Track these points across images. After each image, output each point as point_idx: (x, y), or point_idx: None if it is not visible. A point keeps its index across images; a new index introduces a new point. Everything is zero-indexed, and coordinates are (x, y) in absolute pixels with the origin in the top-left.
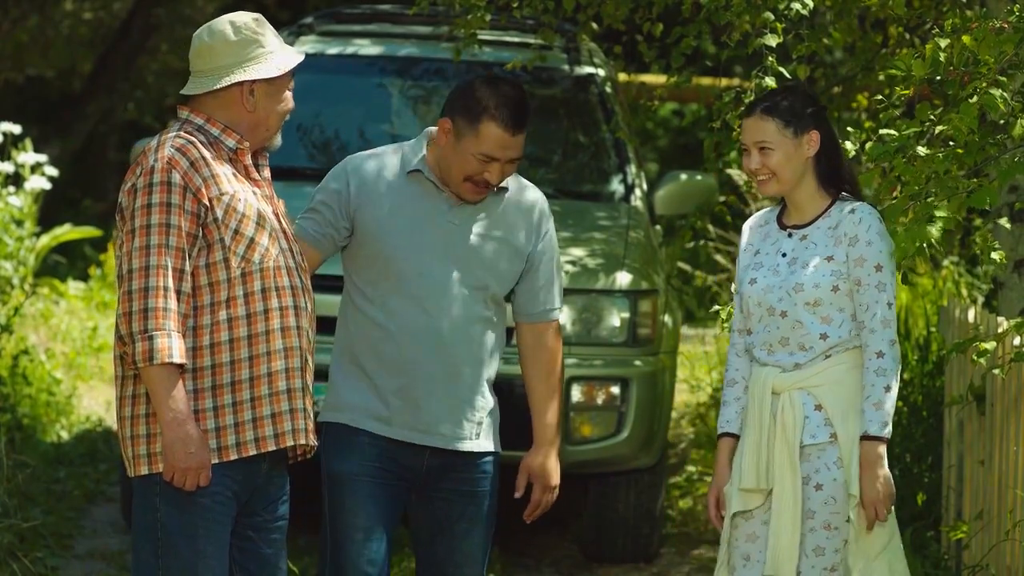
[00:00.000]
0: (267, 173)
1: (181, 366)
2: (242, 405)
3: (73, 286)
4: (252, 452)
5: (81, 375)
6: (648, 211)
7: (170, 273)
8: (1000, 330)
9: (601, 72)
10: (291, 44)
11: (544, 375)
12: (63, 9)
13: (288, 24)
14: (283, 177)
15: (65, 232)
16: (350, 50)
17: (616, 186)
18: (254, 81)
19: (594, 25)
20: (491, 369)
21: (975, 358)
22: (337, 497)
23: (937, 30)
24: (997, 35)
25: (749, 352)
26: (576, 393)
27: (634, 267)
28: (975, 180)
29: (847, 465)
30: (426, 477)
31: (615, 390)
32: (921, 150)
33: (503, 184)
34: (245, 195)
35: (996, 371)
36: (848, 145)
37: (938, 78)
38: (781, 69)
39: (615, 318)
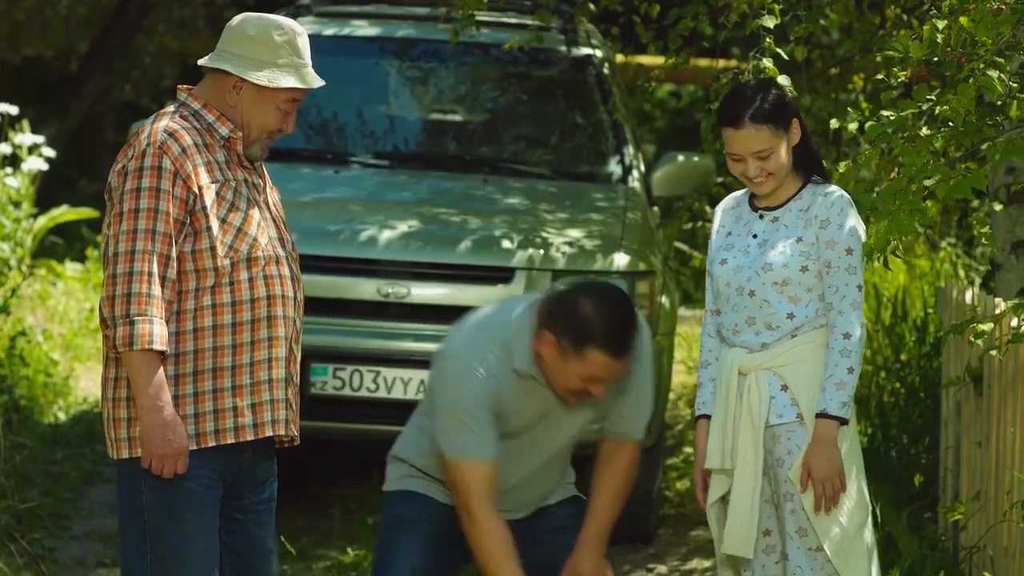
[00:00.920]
0: (261, 163)
1: (162, 353)
2: (223, 392)
3: (70, 267)
4: (230, 440)
5: (78, 356)
6: (645, 192)
7: (155, 259)
8: (997, 311)
9: (598, 53)
10: None
11: (610, 485)
12: None
13: (286, 5)
14: (280, 159)
15: (62, 213)
16: (347, 31)
17: (613, 167)
18: (242, 80)
19: (591, 6)
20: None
21: (972, 339)
22: (388, 536)
23: (934, 11)
24: (994, 16)
25: (720, 333)
26: None
27: (631, 248)
28: (971, 163)
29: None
30: (517, 531)
31: None
32: (924, 131)
33: None
34: (236, 184)
35: (993, 352)
36: (851, 127)
37: (935, 59)
38: (778, 50)
39: None
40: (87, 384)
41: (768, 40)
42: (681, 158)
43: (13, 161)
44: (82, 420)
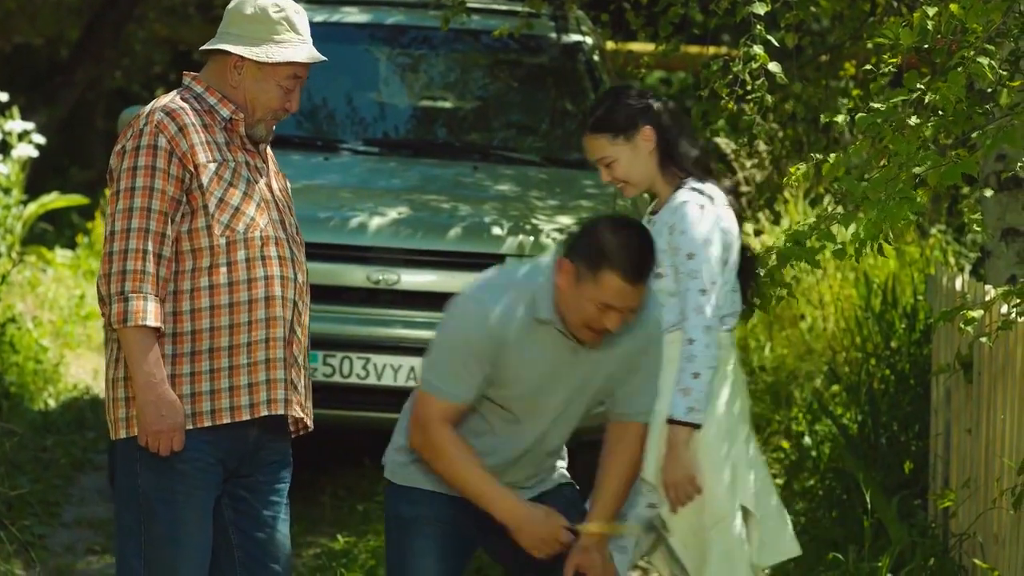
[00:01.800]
0: (266, 147)
1: (157, 330)
2: (219, 372)
3: (60, 254)
4: (226, 420)
5: (68, 343)
6: None
7: (151, 236)
8: (987, 299)
9: (588, 40)
10: None
11: (617, 471)
12: None
13: None
14: (272, 145)
15: (52, 200)
16: (337, 17)
17: None
18: (243, 58)
19: None
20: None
21: (962, 327)
22: (402, 540)
23: None
24: (985, 3)
25: None
26: None
27: None
28: (961, 150)
29: (648, 446)
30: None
31: None
32: (912, 120)
33: None
34: (235, 165)
35: (983, 340)
36: (840, 119)
37: (926, 47)
38: (769, 37)
39: None
40: (77, 371)
41: (759, 27)
42: None
43: (3, 148)
44: (72, 407)
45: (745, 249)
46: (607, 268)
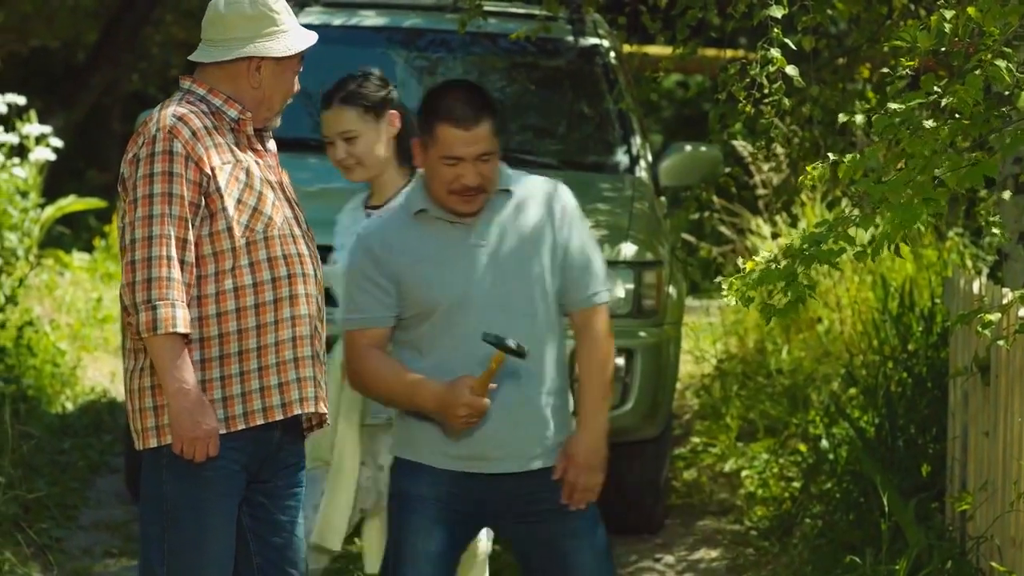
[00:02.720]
0: (272, 145)
1: (186, 336)
2: (249, 375)
3: (78, 257)
4: (260, 422)
5: (85, 346)
6: (653, 182)
7: (173, 242)
8: (1005, 301)
9: (605, 43)
10: (296, 15)
11: (589, 358)
12: None
13: None
14: (288, 149)
15: (70, 203)
16: (355, 21)
17: (621, 157)
18: (263, 58)
19: None
20: (556, 381)
21: (980, 329)
22: (402, 517)
23: (942, 1)
24: (1002, 6)
25: None
26: None
27: (639, 238)
28: (979, 153)
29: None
30: (511, 503)
31: (620, 361)
32: (928, 123)
33: (504, 186)
34: (248, 165)
35: (1001, 342)
36: (858, 119)
37: (943, 50)
38: (786, 40)
39: (619, 289)
40: (94, 374)
41: (776, 30)
42: (688, 148)
43: (21, 151)
44: (89, 410)
45: None
46: (438, 122)
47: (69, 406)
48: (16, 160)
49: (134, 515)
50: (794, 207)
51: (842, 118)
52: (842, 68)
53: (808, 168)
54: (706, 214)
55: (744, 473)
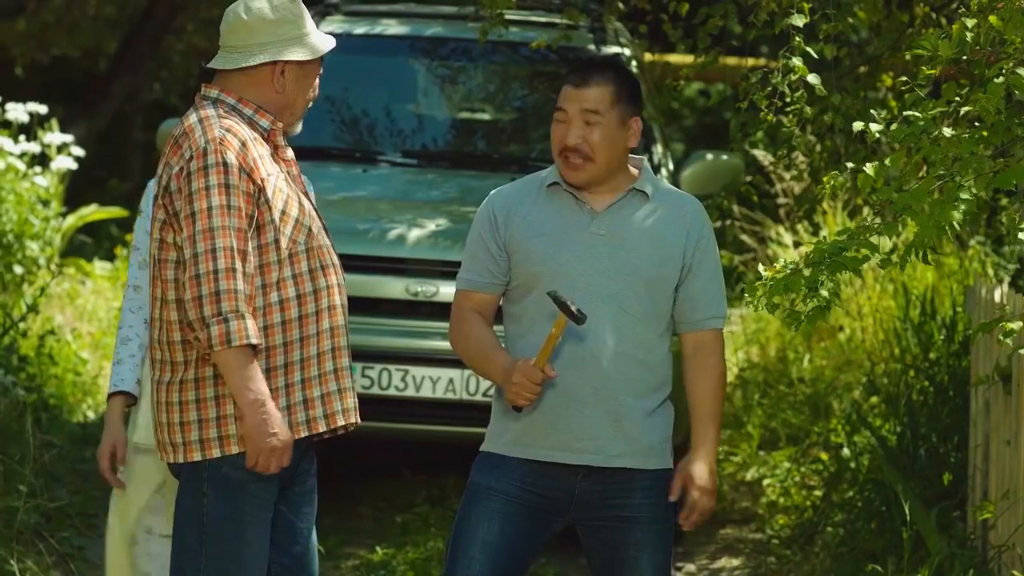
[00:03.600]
0: (290, 153)
1: (255, 347)
2: (293, 387)
3: (99, 266)
4: (304, 434)
5: (107, 355)
6: None
7: (236, 254)
8: None
9: (627, 52)
10: (318, 24)
11: (704, 385)
12: None
13: (314, 4)
14: (310, 157)
15: (91, 212)
16: (376, 30)
17: None
18: (286, 62)
19: (620, 4)
20: (652, 387)
21: (1001, 338)
22: (466, 507)
23: (964, 9)
24: None
25: (144, 310)
26: None
27: None
28: (1001, 160)
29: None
30: (582, 502)
31: None
32: (946, 131)
33: (641, 188)
34: (283, 175)
35: (1022, 351)
36: (875, 128)
37: (964, 58)
38: (808, 48)
39: None
40: None
41: (797, 38)
42: (710, 156)
43: (42, 160)
44: None
45: None
46: (564, 85)
47: (91, 415)
48: (38, 169)
49: None
50: (816, 215)
51: (858, 127)
52: (863, 76)
53: (825, 179)
54: (727, 222)
55: (766, 482)
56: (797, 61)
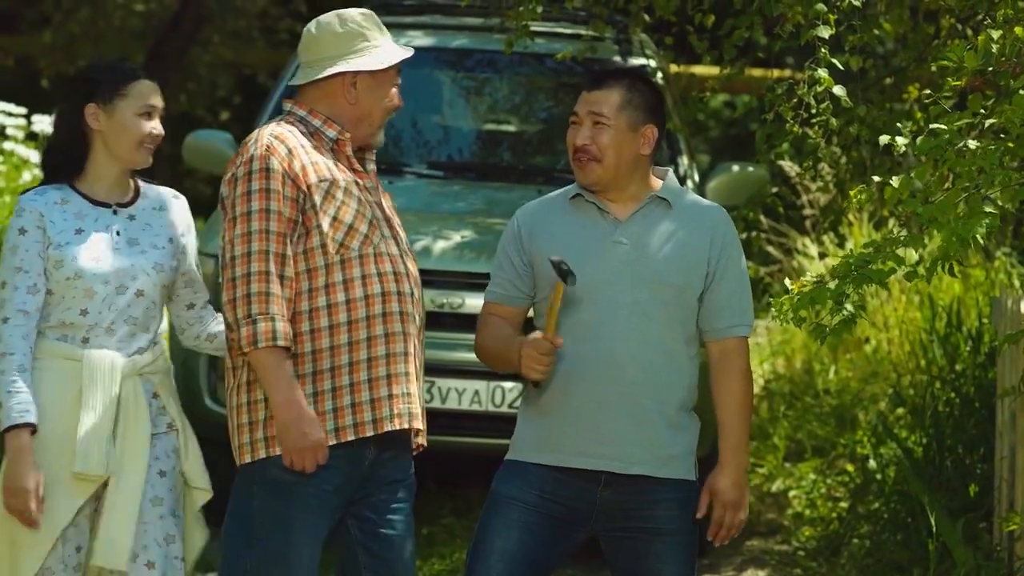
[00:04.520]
0: (372, 167)
1: (287, 349)
2: (341, 391)
3: None
4: (350, 437)
5: None
6: None
7: (271, 258)
8: None
9: (652, 63)
10: None
11: (730, 393)
12: (115, 1)
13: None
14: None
15: None
16: (402, 42)
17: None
18: (356, 73)
19: (645, 16)
20: (674, 395)
21: None
22: (486, 515)
23: (989, 21)
24: None
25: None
26: None
27: None
28: None
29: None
30: (603, 512)
31: None
32: (972, 143)
33: (662, 195)
34: (346, 184)
35: None
36: (900, 141)
37: (990, 69)
38: (833, 60)
39: None
40: None
41: (823, 50)
42: (736, 168)
43: None
44: None
45: None
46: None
47: None
48: None
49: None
50: (841, 227)
51: (884, 140)
52: (889, 88)
53: (852, 193)
54: (753, 234)
55: (792, 493)
56: (823, 73)
